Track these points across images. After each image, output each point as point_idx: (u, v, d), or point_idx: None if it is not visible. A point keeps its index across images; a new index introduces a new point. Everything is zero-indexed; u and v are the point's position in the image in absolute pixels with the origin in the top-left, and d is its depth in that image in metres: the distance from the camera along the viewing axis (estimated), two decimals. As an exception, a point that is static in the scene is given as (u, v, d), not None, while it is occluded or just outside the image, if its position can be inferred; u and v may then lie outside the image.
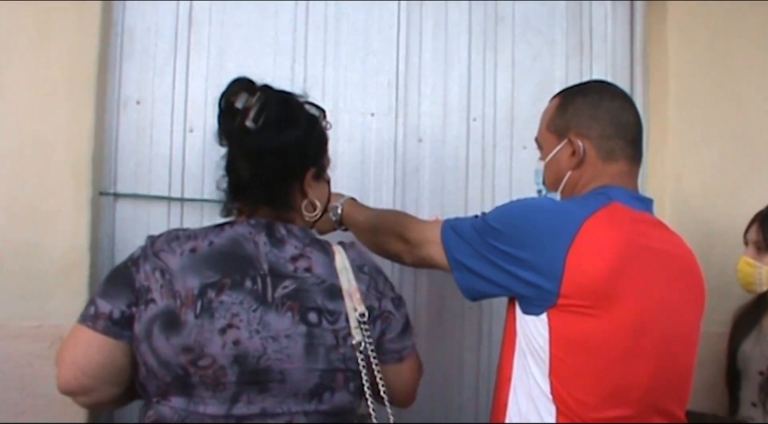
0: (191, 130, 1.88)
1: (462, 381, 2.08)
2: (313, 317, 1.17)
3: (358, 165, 2.01)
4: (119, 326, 1.18)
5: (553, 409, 1.20)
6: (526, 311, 1.25)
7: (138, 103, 1.85)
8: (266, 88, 1.26)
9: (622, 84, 2.27)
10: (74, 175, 1.69)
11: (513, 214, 1.29)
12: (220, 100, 1.26)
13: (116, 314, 1.18)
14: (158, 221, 1.84)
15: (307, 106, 1.33)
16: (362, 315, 1.20)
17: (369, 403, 1.22)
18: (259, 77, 1.29)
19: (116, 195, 1.80)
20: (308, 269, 1.20)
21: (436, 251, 1.38)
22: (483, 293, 1.32)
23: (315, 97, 1.90)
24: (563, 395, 1.19)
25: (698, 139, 2.22)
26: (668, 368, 1.24)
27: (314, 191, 1.31)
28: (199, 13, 1.89)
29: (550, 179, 1.42)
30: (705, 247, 2.17)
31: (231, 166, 1.26)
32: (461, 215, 2.03)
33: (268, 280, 1.18)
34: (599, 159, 1.34)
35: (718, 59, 2.25)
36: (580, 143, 1.34)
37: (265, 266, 1.19)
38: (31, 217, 1.67)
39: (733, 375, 2.01)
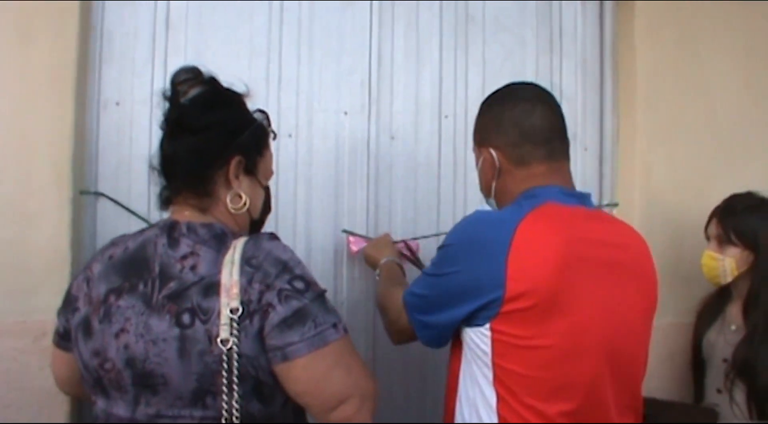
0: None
1: (438, 378, 2.07)
2: (186, 318, 1.12)
3: (333, 163, 2.05)
4: (65, 340, 1.30)
5: (495, 417, 1.22)
6: (468, 324, 1.26)
7: (117, 104, 1.88)
8: (211, 78, 1.30)
9: (592, 81, 2.34)
10: (56, 175, 1.73)
11: (452, 239, 1.31)
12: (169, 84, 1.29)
13: (61, 330, 1.32)
14: (138, 218, 1.87)
15: (257, 114, 1.36)
16: (234, 311, 1.11)
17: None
18: (236, 78, 1.34)
19: (97, 194, 1.84)
20: (193, 268, 1.16)
21: (405, 320, 1.40)
22: (446, 338, 1.35)
23: (289, 97, 2.00)
24: (508, 401, 1.21)
25: (667, 134, 2.27)
26: (613, 364, 1.25)
27: (243, 186, 1.29)
28: (176, 16, 1.93)
29: (483, 188, 1.47)
30: (675, 240, 2.23)
31: (159, 146, 1.28)
32: (434, 211, 2.13)
33: (157, 282, 1.16)
34: (513, 166, 1.37)
35: (686, 56, 2.31)
36: (494, 153, 1.38)
37: (157, 268, 1.18)
38: (13, 215, 1.71)
39: (698, 363, 2.06)
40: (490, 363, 1.22)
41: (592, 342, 1.22)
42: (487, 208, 1.47)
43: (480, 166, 1.44)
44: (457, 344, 1.33)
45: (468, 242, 1.26)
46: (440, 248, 1.33)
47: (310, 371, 1.14)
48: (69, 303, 1.28)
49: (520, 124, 1.36)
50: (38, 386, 1.68)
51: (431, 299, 1.31)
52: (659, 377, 2.15)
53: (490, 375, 1.23)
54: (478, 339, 1.24)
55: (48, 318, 1.63)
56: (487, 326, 1.21)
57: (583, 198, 1.37)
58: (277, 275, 1.16)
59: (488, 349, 1.22)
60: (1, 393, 1.68)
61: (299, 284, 1.17)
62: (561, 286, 1.18)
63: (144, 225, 1.82)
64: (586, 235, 1.26)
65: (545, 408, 1.20)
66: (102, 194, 1.85)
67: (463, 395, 1.30)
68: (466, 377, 1.30)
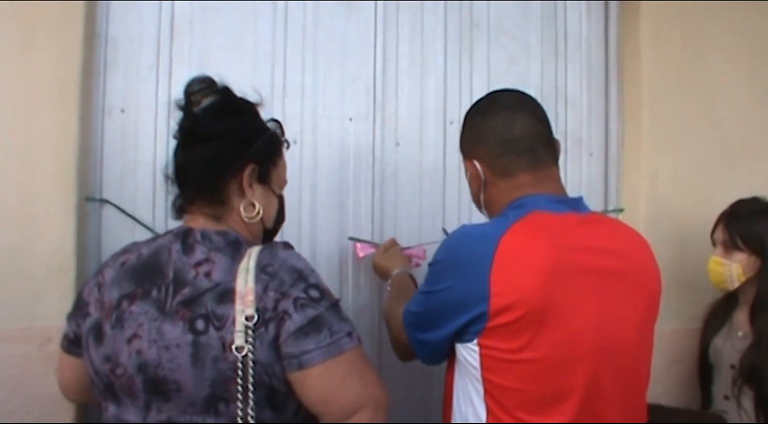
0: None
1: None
2: (200, 324, 1.12)
3: (337, 169, 2.04)
4: (75, 345, 1.30)
5: None
6: (458, 340, 1.25)
7: (122, 111, 1.88)
8: (225, 88, 1.31)
9: (597, 86, 2.33)
10: (60, 182, 1.73)
11: (439, 256, 1.30)
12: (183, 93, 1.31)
13: (71, 335, 1.31)
14: (144, 223, 1.87)
15: (270, 123, 1.37)
16: (249, 318, 1.11)
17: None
18: (240, 85, 1.35)
19: (101, 201, 1.85)
20: (208, 274, 1.17)
21: (406, 337, 1.40)
22: (442, 355, 1.34)
23: (294, 103, 2.00)
24: (498, 415, 1.19)
25: (672, 138, 2.26)
26: (612, 373, 1.22)
27: (257, 194, 1.29)
28: (180, 23, 1.93)
29: (474, 199, 1.45)
30: (680, 245, 2.22)
31: (174, 154, 1.30)
32: (439, 217, 2.12)
33: (170, 288, 1.17)
34: (497, 178, 1.34)
35: (691, 59, 2.30)
36: (478, 166, 1.36)
37: (171, 274, 1.18)
38: (18, 222, 1.71)
39: (705, 370, 2.05)
40: (480, 378, 1.21)
41: (584, 352, 1.18)
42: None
43: (468, 178, 1.43)
44: (451, 359, 1.32)
45: (453, 259, 1.25)
46: (430, 265, 1.32)
47: (326, 380, 1.14)
48: (80, 308, 1.29)
49: (500, 135, 1.33)
50: (42, 393, 1.68)
51: (424, 317, 1.31)
52: (665, 382, 2.14)
53: (481, 390, 1.21)
54: (467, 355, 1.22)
55: (52, 325, 1.65)
56: (475, 341, 1.20)
57: (575, 203, 1.33)
58: (293, 284, 1.17)
59: (477, 364, 1.21)
60: (6, 400, 1.68)
61: (314, 293, 1.18)
62: (548, 297, 1.15)
63: (148, 233, 1.83)
64: (576, 242, 1.23)
65: (537, 421, 1.18)
66: (106, 201, 1.85)
67: (456, 410, 1.30)
68: (459, 391, 1.29)
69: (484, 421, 1.21)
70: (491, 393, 1.20)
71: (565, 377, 1.18)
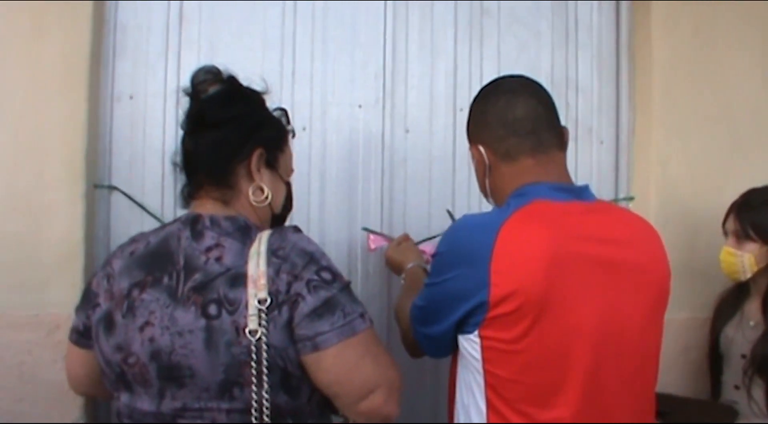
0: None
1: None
2: (213, 309, 1.13)
3: (347, 156, 2.04)
4: (85, 337, 1.29)
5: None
6: (460, 332, 1.24)
7: (131, 98, 1.88)
8: (231, 77, 1.33)
9: (608, 74, 2.31)
10: (69, 169, 1.74)
11: (441, 247, 1.29)
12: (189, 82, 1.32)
13: (81, 327, 1.31)
14: (152, 212, 1.88)
15: (276, 112, 1.38)
16: (262, 301, 1.12)
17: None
18: (249, 71, 1.36)
19: (110, 188, 1.85)
20: (218, 259, 1.17)
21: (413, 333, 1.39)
22: (448, 348, 1.31)
23: (303, 90, 1.99)
24: (499, 407, 1.19)
25: (683, 127, 2.23)
26: (615, 366, 1.20)
27: (265, 179, 1.30)
28: (189, 10, 1.93)
29: (480, 187, 1.43)
30: (691, 233, 2.21)
31: (181, 142, 1.31)
32: (449, 204, 2.11)
33: (182, 275, 1.17)
34: (500, 162, 1.33)
35: (703, 47, 2.27)
36: (482, 150, 1.35)
37: (181, 261, 1.19)
38: (27, 210, 1.72)
39: (715, 359, 2.04)
40: (481, 370, 1.20)
41: (584, 344, 1.17)
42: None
43: (474, 165, 1.41)
44: (455, 351, 1.31)
45: (454, 249, 1.24)
46: (433, 257, 1.32)
47: (341, 361, 1.15)
48: (89, 300, 1.28)
49: (503, 116, 1.32)
50: (51, 380, 1.69)
51: (429, 310, 1.29)
52: (675, 371, 2.13)
53: (482, 382, 1.21)
54: (469, 346, 1.21)
55: (61, 312, 1.66)
56: (476, 332, 1.19)
57: (580, 192, 1.31)
58: (305, 266, 1.17)
59: (479, 356, 1.20)
60: (15, 386, 1.70)
61: (326, 275, 1.18)
62: (548, 287, 1.14)
63: (155, 222, 1.83)
64: (579, 232, 1.21)
65: (539, 414, 1.17)
66: (115, 188, 1.85)
67: (459, 402, 1.29)
68: (461, 383, 1.29)
69: (484, 413, 1.21)
70: (492, 385, 1.20)
71: (563, 368, 1.17)
